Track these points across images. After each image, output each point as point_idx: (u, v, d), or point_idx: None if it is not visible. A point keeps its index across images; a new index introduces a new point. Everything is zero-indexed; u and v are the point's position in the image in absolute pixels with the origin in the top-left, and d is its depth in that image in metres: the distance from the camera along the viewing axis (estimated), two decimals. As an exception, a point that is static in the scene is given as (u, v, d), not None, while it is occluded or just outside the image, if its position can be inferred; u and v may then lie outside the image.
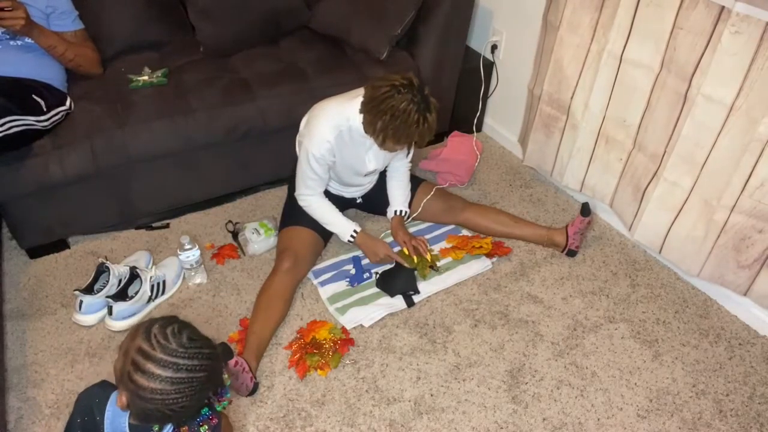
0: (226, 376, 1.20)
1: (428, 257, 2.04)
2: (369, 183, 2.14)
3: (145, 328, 1.06)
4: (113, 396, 1.16)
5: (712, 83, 1.70)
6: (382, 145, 1.75)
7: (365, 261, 2.10)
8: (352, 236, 2.00)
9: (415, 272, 2.01)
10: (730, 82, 1.66)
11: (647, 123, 1.98)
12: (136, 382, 1.02)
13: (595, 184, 2.27)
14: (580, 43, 2.05)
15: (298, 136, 1.89)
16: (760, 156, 1.66)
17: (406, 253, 2.04)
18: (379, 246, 2.02)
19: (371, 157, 1.94)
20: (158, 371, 1.02)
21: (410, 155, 2.07)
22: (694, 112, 1.77)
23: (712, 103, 1.72)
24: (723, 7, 1.62)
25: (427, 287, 2.00)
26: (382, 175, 2.16)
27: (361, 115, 1.74)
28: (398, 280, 1.98)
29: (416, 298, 1.96)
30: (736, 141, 1.70)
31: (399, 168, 2.10)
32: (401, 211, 2.12)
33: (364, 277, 2.03)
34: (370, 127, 1.71)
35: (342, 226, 2.01)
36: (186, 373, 1.03)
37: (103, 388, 1.19)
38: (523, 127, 2.54)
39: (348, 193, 2.13)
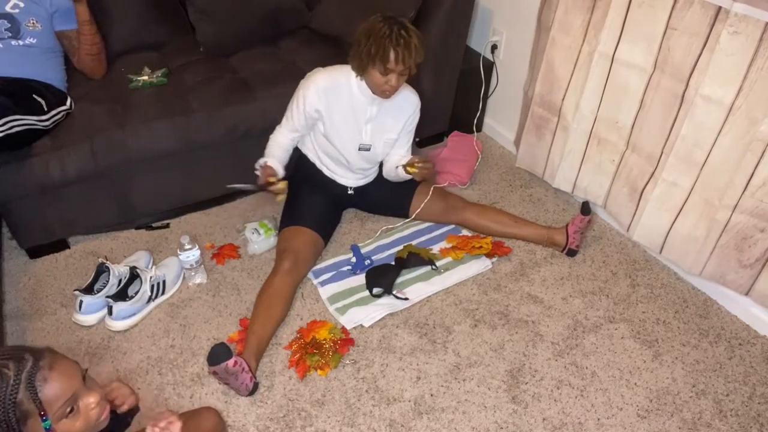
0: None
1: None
2: (363, 173, 2.12)
3: None
4: None
5: (711, 84, 1.70)
6: (366, 77, 1.83)
7: (365, 249, 2.13)
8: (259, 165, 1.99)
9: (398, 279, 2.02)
10: (730, 83, 1.66)
11: (641, 124, 1.98)
12: None
13: (588, 185, 2.27)
14: (571, 45, 2.05)
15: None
16: (761, 156, 1.66)
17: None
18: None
19: (369, 129, 1.96)
20: None
21: (409, 142, 2.10)
22: (692, 113, 1.77)
23: (711, 104, 1.72)
24: (720, 8, 1.62)
25: (427, 287, 2.00)
26: (380, 173, 2.16)
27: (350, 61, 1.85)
28: (378, 278, 1.98)
29: (414, 297, 1.96)
30: (737, 141, 1.70)
31: (398, 155, 2.08)
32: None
33: (365, 264, 2.05)
34: (354, 62, 1.83)
35: (265, 157, 2.00)
36: None
37: None
38: (519, 129, 2.54)
39: (340, 178, 2.11)
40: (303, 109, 1.90)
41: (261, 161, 1.99)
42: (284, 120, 2.00)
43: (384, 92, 1.84)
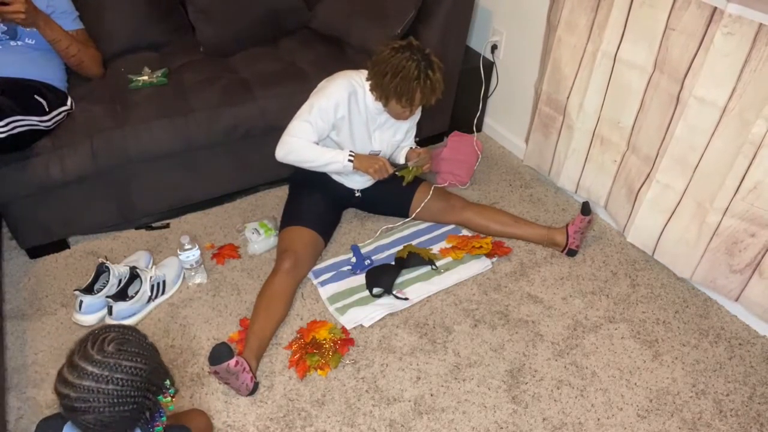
0: (167, 399, 1.15)
1: (414, 170, 2.07)
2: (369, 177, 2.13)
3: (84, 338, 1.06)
4: (67, 427, 1.12)
5: (705, 85, 1.69)
6: (387, 105, 1.86)
7: (365, 249, 2.12)
8: (350, 158, 1.93)
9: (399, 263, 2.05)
10: (723, 84, 1.65)
11: (641, 124, 1.98)
12: (55, 389, 1.02)
13: (590, 185, 2.27)
14: (576, 44, 2.05)
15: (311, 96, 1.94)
16: (753, 159, 1.65)
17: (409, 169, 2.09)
18: (374, 158, 1.98)
19: (377, 136, 2.00)
20: (67, 375, 1.01)
21: (413, 135, 2.16)
22: (686, 114, 1.77)
23: (705, 105, 1.72)
24: (715, 8, 1.62)
25: (427, 287, 2.00)
26: None
27: (369, 83, 1.87)
28: (378, 278, 1.99)
29: (414, 297, 1.96)
30: (730, 143, 1.70)
31: (404, 151, 2.16)
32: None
33: (365, 263, 2.05)
34: (376, 90, 1.86)
35: (337, 153, 1.93)
36: (92, 381, 1.00)
37: (60, 418, 1.13)
38: (529, 127, 2.54)
39: (349, 182, 2.13)
40: (328, 119, 1.88)
41: (347, 162, 1.92)
42: (304, 127, 1.87)
43: (399, 118, 1.93)
